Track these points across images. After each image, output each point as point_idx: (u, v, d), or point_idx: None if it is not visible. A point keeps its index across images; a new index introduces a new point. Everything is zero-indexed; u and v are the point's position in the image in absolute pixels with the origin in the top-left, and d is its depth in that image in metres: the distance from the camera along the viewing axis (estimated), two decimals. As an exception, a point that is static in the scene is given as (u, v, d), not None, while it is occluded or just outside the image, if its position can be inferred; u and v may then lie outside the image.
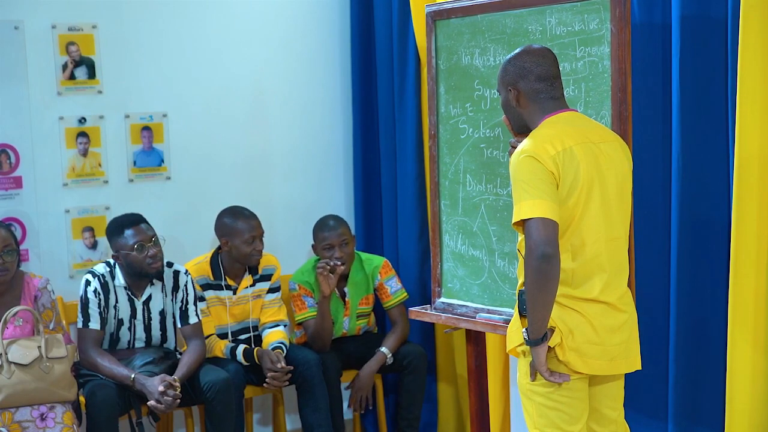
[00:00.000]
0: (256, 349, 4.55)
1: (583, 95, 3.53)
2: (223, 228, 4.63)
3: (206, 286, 4.61)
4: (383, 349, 4.76)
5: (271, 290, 4.74)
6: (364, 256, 4.91)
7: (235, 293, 4.66)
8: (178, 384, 4.14)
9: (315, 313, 4.72)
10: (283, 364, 4.49)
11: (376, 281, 4.86)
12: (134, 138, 4.80)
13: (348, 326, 4.87)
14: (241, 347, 4.55)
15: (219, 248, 4.67)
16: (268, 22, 5.11)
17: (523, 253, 2.96)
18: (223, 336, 4.65)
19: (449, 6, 3.94)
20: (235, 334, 4.69)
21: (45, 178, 4.62)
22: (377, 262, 4.89)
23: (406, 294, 4.87)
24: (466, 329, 4.08)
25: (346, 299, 4.83)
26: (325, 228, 4.77)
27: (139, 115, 4.81)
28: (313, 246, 4.85)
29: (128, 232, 4.25)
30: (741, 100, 3.30)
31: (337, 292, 4.79)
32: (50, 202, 4.64)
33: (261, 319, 4.73)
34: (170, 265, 4.41)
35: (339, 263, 4.67)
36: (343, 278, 4.81)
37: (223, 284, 4.64)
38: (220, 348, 4.57)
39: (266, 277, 4.73)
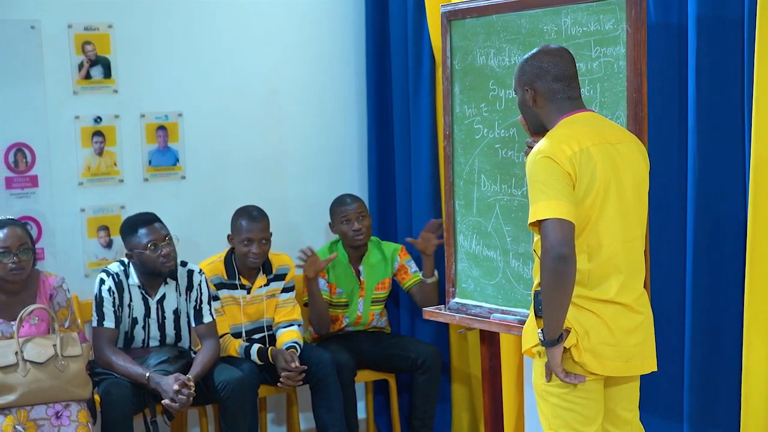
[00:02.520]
0: (270, 348, 4.55)
1: (599, 96, 3.52)
2: (232, 225, 4.66)
3: (220, 285, 4.61)
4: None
5: (285, 290, 4.75)
6: (382, 241, 4.96)
7: (249, 292, 4.66)
8: (192, 383, 4.15)
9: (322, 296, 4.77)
10: (297, 364, 4.49)
11: (396, 263, 4.90)
12: (149, 137, 4.82)
13: (362, 309, 4.87)
14: (255, 347, 4.56)
15: (233, 248, 4.68)
16: (283, 22, 5.11)
17: (539, 254, 2.95)
18: (237, 335, 4.65)
19: (464, 6, 3.93)
20: (249, 333, 4.69)
21: (60, 177, 4.63)
22: (396, 246, 4.96)
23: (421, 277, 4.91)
24: (480, 330, 4.08)
25: (361, 279, 4.85)
26: (342, 203, 4.84)
27: (154, 115, 4.82)
28: (330, 224, 4.88)
29: (142, 231, 4.26)
30: (757, 100, 3.29)
31: (353, 270, 4.81)
32: (66, 201, 4.65)
33: (275, 319, 4.74)
34: (184, 264, 4.42)
35: (358, 237, 4.77)
36: (359, 257, 4.84)
37: (237, 283, 4.64)
38: (234, 347, 4.57)
39: (280, 277, 4.73)
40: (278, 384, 4.53)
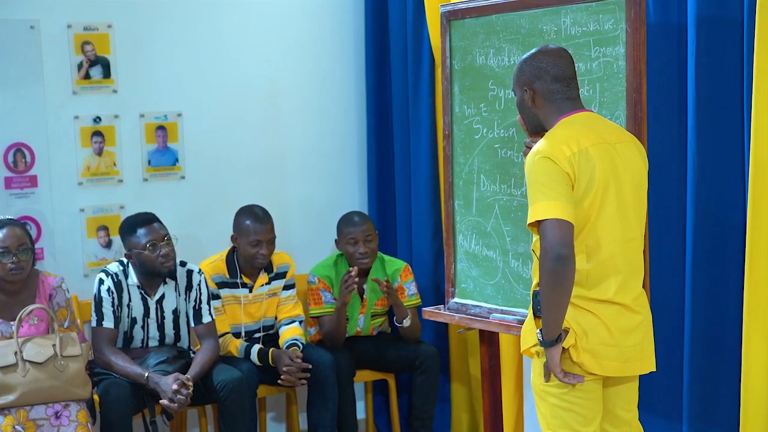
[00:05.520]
0: (271, 350, 4.54)
1: (598, 96, 3.52)
2: (235, 225, 4.65)
3: (222, 285, 4.61)
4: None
5: (286, 287, 4.75)
6: (387, 257, 4.91)
7: (251, 291, 4.66)
8: (191, 383, 4.15)
9: (330, 310, 4.73)
10: (301, 360, 4.48)
11: (396, 283, 4.84)
12: (149, 137, 4.82)
13: (362, 325, 4.87)
14: (256, 347, 4.55)
15: (234, 247, 4.68)
16: (283, 23, 5.11)
17: (538, 254, 2.95)
18: (236, 335, 4.65)
19: (464, 6, 3.93)
20: (248, 333, 4.69)
21: (60, 177, 4.63)
22: (399, 266, 4.88)
23: (420, 300, 4.87)
24: (480, 330, 4.08)
25: (364, 296, 4.83)
26: (350, 223, 4.79)
27: (153, 115, 4.82)
28: (336, 241, 4.85)
29: (141, 231, 4.26)
30: (756, 100, 3.28)
31: (355, 288, 4.80)
32: (65, 201, 4.65)
33: (278, 316, 4.74)
34: (183, 264, 4.42)
35: (363, 261, 4.73)
36: (363, 275, 4.81)
37: (239, 282, 4.64)
38: (235, 345, 4.57)
39: (281, 275, 4.73)
40: (279, 381, 4.50)
